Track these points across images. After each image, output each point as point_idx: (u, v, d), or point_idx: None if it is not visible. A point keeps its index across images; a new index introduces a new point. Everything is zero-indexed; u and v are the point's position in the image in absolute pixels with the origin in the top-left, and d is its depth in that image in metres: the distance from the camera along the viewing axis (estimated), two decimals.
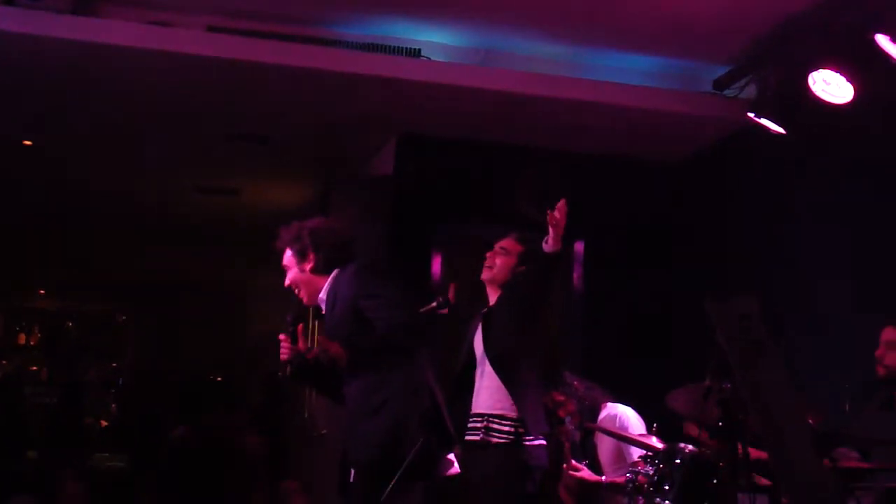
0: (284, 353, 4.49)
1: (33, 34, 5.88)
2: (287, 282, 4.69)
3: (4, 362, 15.19)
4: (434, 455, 4.37)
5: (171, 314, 15.54)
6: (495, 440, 4.99)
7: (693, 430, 5.08)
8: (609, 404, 6.10)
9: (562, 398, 5.79)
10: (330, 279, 4.62)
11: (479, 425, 5.07)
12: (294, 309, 4.66)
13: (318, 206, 9.28)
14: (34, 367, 15.76)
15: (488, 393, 5.07)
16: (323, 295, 4.62)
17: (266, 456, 10.24)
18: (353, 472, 4.51)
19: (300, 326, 4.51)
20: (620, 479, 5.62)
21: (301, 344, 4.51)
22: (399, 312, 4.40)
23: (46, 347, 15.95)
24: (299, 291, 4.69)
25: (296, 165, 8.92)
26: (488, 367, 5.08)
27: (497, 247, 5.26)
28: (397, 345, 4.42)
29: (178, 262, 14.09)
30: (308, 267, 4.63)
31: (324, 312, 4.64)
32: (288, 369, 4.50)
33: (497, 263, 5.23)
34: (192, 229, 11.99)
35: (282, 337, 4.50)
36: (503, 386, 4.99)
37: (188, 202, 10.49)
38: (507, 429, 4.99)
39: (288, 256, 4.69)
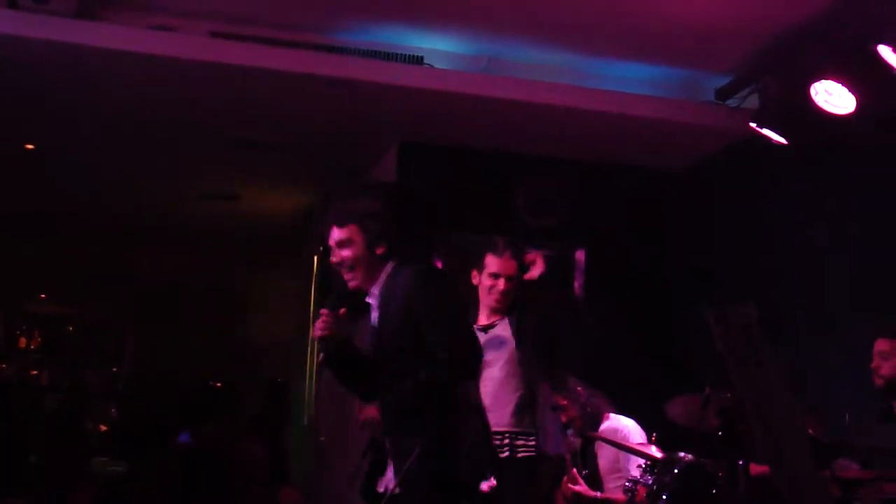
0: (322, 328, 3.97)
1: (36, 38, 5.89)
2: (345, 256, 4.06)
3: (4, 366, 15.17)
4: (481, 473, 4.21)
5: (172, 319, 15.53)
6: (521, 454, 5.14)
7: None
8: (612, 416, 6.09)
9: (564, 402, 5.81)
10: (387, 272, 4.07)
11: (504, 442, 5.19)
12: (340, 287, 4.15)
13: (320, 212, 9.29)
14: (34, 372, 15.74)
15: (510, 409, 5.16)
16: (376, 290, 4.08)
17: (266, 463, 10.24)
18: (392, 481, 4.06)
19: (343, 310, 3.99)
20: (617, 495, 5.62)
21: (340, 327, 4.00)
22: (462, 346, 3.92)
23: (47, 352, 15.94)
24: (354, 272, 4.06)
25: (297, 172, 8.93)
26: (510, 382, 5.16)
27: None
28: (448, 388, 3.99)
29: (179, 268, 14.11)
30: (380, 251, 4.04)
31: (373, 310, 4.11)
32: (321, 352, 4.02)
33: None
34: (193, 234, 12.02)
35: (324, 311, 3.99)
36: (524, 403, 5.12)
37: (190, 207, 10.51)
38: (531, 443, 5.33)
39: (353, 230, 4.05)
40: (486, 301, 5.44)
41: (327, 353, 3.97)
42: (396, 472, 3.91)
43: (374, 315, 4.09)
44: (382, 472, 4.13)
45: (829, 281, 6.20)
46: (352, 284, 4.09)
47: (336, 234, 4.07)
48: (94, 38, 5.97)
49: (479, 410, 4.47)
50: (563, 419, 5.91)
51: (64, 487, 8.92)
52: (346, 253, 4.04)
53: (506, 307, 5.42)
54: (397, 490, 3.84)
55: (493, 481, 4.47)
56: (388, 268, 4.06)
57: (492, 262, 5.36)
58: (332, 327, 3.96)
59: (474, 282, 5.42)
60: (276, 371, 13.10)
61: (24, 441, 11.52)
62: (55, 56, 6.16)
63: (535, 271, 5.31)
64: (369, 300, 4.12)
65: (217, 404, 13.27)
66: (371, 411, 3.95)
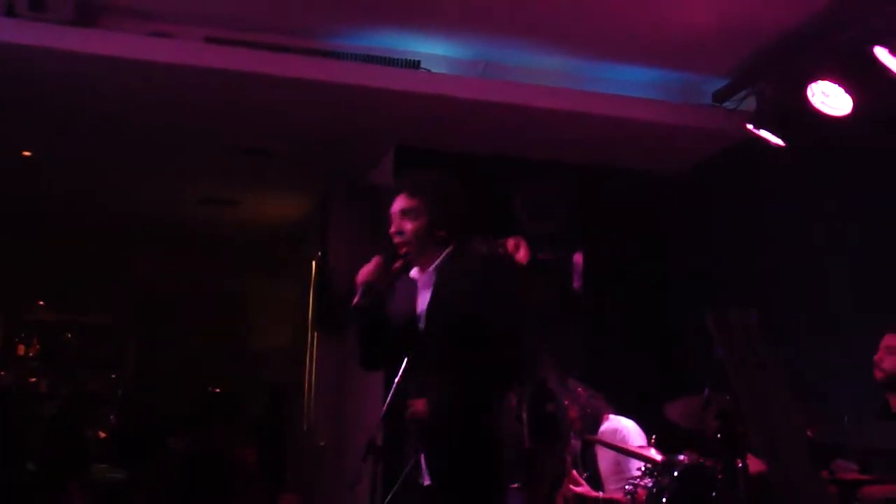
0: (369, 272, 3.93)
1: (33, 45, 5.90)
2: (405, 228, 3.98)
3: (3, 374, 15.16)
4: (513, 475, 4.15)
5: (172, 325, 15.52)
6: None
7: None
8: (612, 416, 6.11)
9: (565, 403, 5.81)
10: (446, 254, 3.99)
11: None
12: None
13: (318, 216, 9.29)
14: (33, 379, 15.73)
15: None
16: (430, 269, 3.99)
17: (261, 469, 10.24)
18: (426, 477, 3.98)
19: (397, 265, 3.95)
20: (618, 496, 5.62)
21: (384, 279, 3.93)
22: (525, 352, 3.88)
23: (46, 359, 15.93)
24: (409, 248, 3.98)
25: (295, 176, 8.92)
26: None
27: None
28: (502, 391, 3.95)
29: (179, 273, 14.10)
30: (440, 233, 3.97)
31: (421, 289, 4.02)
32: (357, 298, 3.91)
33: None
34: (192, 240, 12.01)
35: (378, 257, 3.96)
36: None
37: (189, 213, 10.50)
38: None
39: (414, 204, 3.99)
40: None
41: (362, 299, 3.92)
42: (429, 468, 3.86)
43: (424, 295, 4.00)
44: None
45: (828, 282, 6.21)
46: (403, 260, 4.02)
47: (402, 202, 4.01)
48: (91, 45, 5.97)
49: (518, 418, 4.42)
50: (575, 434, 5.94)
51: (61, 494, 8.91)
52: (407, 225, 3.98)
53: None
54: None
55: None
56: (448, 250, 4.00)
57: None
58: (378, 276, 3.93)
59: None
60: (275, 376, 13.09)
61: (21, 448, 11.50)
62: (52, 63, 6.16)
63: (522, 255, 5.10)
64: (415, 277, 4.05)
65: (216, 410, 13.26)
66: (419, 405, 3.88)
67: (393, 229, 4.02)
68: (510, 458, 4.01)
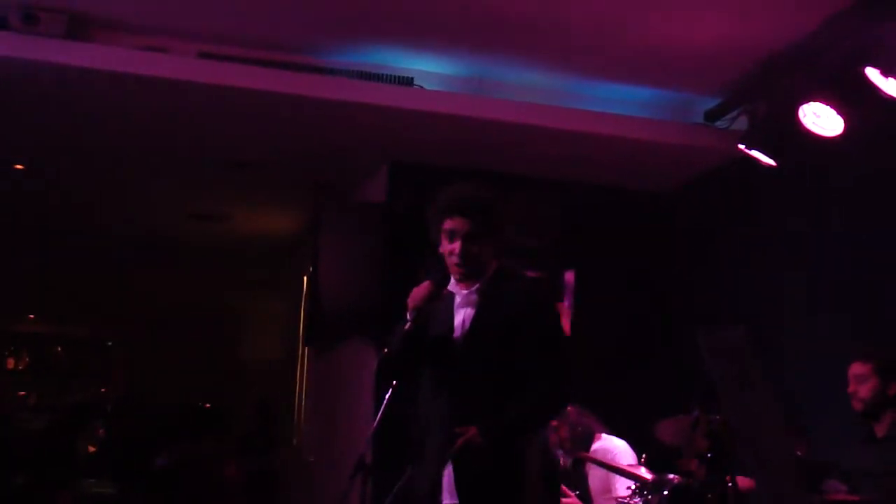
0: (419, 296, 3.94)
1: (26, 59, 5.89)
2: (469, 248, 3.95)
3: None
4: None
5: (162, 339, 15.51)
6: None
7: (691, 465, 5.05)
8: (604, 436, 6.11)
9: (555, 423, 5.80)
10: (490, 274, 4.00)
11: None
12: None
13: (310, 231, 9.28)
14: (22, 392, 15.69)
15: None
16: (475, 288, 3.99)
17: (248, 485, 10.20)
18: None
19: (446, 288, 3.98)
20: None
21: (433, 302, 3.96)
22: (570, 377, 3.90)
23: (35, 372, 15.90)
24: (466, 264, 3.96)
25: (287, 191, 8.93)
26: None
27: None
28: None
29: (170, 287, 14.08)
30: (493, 254, 4.00)
31: (461, 307, 4.02)
32: (409, 321, 3.92)
33: None
34: (183, 254, 11.99)
35: (430, 282, 3.97)
36: None
37: (180, 227, 10.50)
38: None
39: (471, 227, 3.96)
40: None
41: (414, 324, 3.92)
42: (458, 488, 3.84)
43: (465, 312, 3.99)
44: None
45: (817, 302, 6.21)
46: (456, 278, 4.02)
47: (457, 223, 3.98)
48: (84, 59, 5.96)
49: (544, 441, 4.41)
50: (554, 439, 5.89)
51: None
52: (464, 246, 3.95)
53: None
54: None
55: None
56: (492, 269, 4.01)
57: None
58: (429, 301, 3.94)
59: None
60: (266, 391, 13.07)
61: (10, 461, 11.46)
62: (45, 77, 6.16)
63: None
64: (454, 290, 4.04)
65: (203, 424, 13.22)
66: (473, 433, 3.86)
67: (446, 249, 4.02)
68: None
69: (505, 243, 4.05)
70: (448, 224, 4.00)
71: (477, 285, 3.99)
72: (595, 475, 6.09)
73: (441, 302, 4.03)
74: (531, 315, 3.90)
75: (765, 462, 3.66)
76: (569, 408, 5.97)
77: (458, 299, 4.02)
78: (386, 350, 4.06)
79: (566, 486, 5.85)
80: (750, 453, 3.74)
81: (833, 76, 5.51)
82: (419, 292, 3.96)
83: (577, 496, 5.95)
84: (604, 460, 5.86)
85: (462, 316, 4.00)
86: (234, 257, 12.05)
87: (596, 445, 6.06)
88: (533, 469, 3.96)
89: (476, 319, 3.95)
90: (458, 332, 3.98)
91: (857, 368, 4.87)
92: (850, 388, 4.87)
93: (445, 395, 3.93)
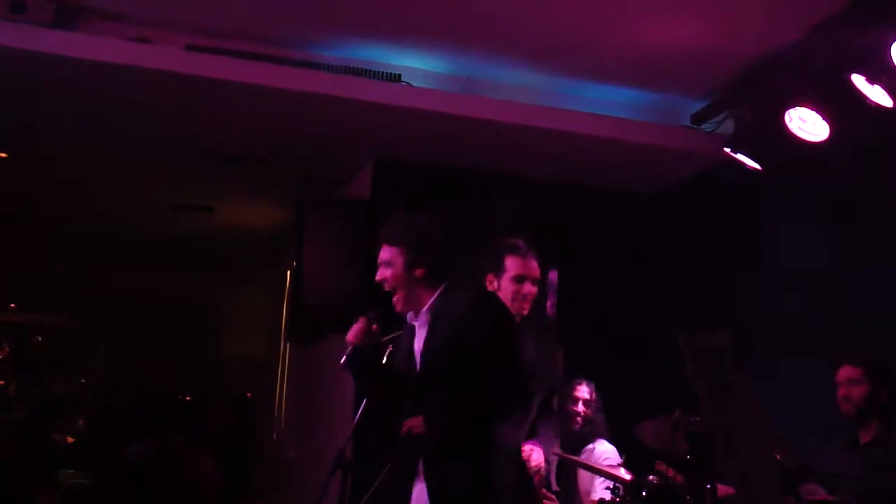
0: (354, 334, 4.10)
1: (13, 47, 5.85)
2: (385, 276, 4.19)
3: None
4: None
5: (143, 331, 15.46)
6: None
7: (662, 466, 5.08)
8: (600, 440, 6.14)
9: (580, 391, 6.23)
10: (437, 295, 4.16)
11: None
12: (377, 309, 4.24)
13: (293, 226, 9.26)
14: (2, 382, 15.63)
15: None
16: (424, 311, 4.15)
17: (220, 480, 10.15)
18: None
19: (376, 326, 4.14)
20: None
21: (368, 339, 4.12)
22: (515, 383, 4.00)
23: (15, 361, 15.83)
24: (396, 295, 4.19)
25: (271, 185, 8.90)
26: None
27: None
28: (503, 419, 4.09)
29: (151, 279, 14.03)
30: (419, 273, 4.15)
31: (418, 329, 4.19)
32: (345, 356, 4.09)
33: None
34: (165, 246, 11.95)
35: (361, 319, 4.14)
36: None
37: (162, 219, 10.46)
38: None
39: (393, 253, 4.18)
40: (511, 308, 5.23)
41: (350, 358, 4.09)
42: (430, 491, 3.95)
43: (420, 335, 4.15)
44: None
45: (800, 306, 6.23)
46: (396, 306, 4.21)
47: (381, 253, 4.21)
48: (71, 48, 5.93)
49: (517, 454, 4.45)
50: (580, 423, 6.12)
51: (27, 499, 8.82)
52: (386, 273, 4.17)
53: None
54: None
55: None
56: (440, 290, 4.15)
57: (514, 265, 4.89)
58: (364, 337, 4.09)
59: (491, 287, 4.90)
60: (247, 385, 13.05)
61: None
62: (30, 65, 6.12)
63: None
64: (412, 322, 4.20)
65: (181, 417, 13.19)
66: (416, 421, 3.95)
67: (378, 278, 4.22)
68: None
69: (438, 264, 4.19)
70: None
71: (425, 308, 4.16)
72: (583, 478, 6.11)
73: (407, 333, 4.26)
74: (477, 324, 4.02)
75: (744, 465, 3.67)
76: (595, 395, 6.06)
77: (416, 327, 4.19)
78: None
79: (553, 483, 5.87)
80: (729, 456, 3.75)
81: (820, 82, 5.53)
82: (353, 329, 4.13)
83: (563, 497, 5.95)
84: (591, 462, 5.87)
85: (418, 340, 4.17)
86: (216, 251, 12.02)
87: (590, 446, 6.10)
88: (508, 481, 4.03)
89: (426, 340, 4.12)
90: (417, 354, 4.17)
91: (848, 372, 4.87)
92: (842, 392, 4.87)
93: (411, 410, 4.08)
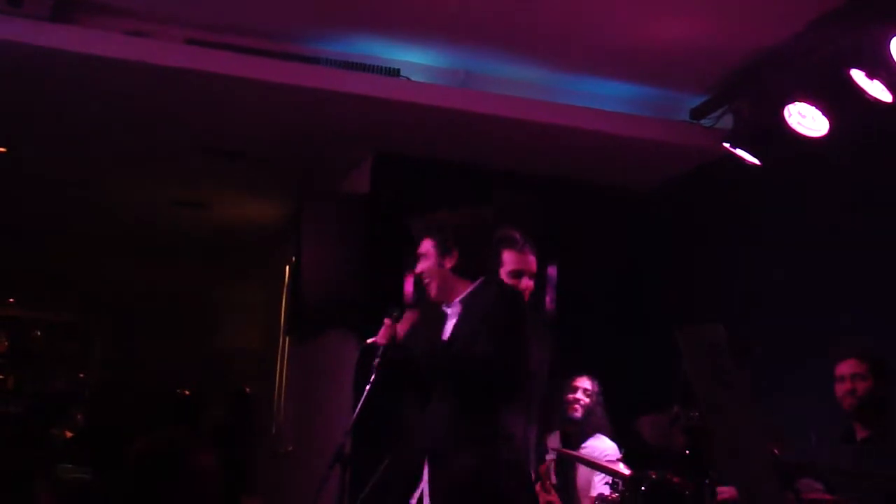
0: (383, 335, 4.24)
1: (10, 40, 5.84)
2: (422, 269, 4.41)
3: None
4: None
5: (141, 325, 15.46)
6: None
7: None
8: (599, 435, 6.14)
9: (585, 401, 6.05)
10: (472, 288, 4.34)
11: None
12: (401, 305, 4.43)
13: (292, 221, 9.26)
14: (1, 377, 15.63)
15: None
16: (457, 300, 4.33)
17: (221, 474, 10.15)
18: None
19: (400, 324, 4.29)
20: None
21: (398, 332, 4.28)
22: (505, 361, 4.10)
23: (14, 356, 15.83)
24: (430, 283, 4.39)
25: (269, 180, 8.90)
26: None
27: None
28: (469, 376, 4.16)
29: (150, 274, 14.03)
30: (449, 265, 4.35)
31: (449, 319, 4.36)
32: (378, 357, 4.21)
33: None
34: (164, 241, 11.95)
35: (387, 321, 4.27)
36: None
37: (160, 213, 10.46)
38: None
39: (427, 246, 4.41)
40: None
41: (383, 357, 4.19)
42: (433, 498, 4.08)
43: (450, 325, 4.31)
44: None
45: (797, 301, 6.23)
46: (432, 296, 4.41)
47: (420, 246, 4.44)
48: (68, 42, 5.93)
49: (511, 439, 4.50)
50: (579, 411, 6.13)
51: (26, 494, 8.82)
52: (422, 265, 4.40)
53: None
54: None
55: None
56: (477, 283, 4.32)
57: (510, 259, 4.89)
58: (390, 338, 4.22)
59: None
60: (245, 380, 13.04)
61: None
62: (28, 59, 6.11)
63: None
64: (446, 310, 4.37)
65: (180, 412, 13.18)
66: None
67: (416, 270, 4.45)
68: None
69: (474, 259, 4.37)
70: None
71: (458, 299, 4.33)
72: (582, 473, 6.12)
73: (438, 320, 4.39)
74: (496, 312, 4.18)
75: (741, 460, 3.66)
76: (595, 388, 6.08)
77: (448, 316, 4.36)
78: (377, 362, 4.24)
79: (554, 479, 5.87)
80: (726, 452, 3.74)
81: (819, 77, 5.53)
82: (381, 332, 4.26)
83: (562, 493, 5.95)
84: (589, 458, 5.87)
85: (448, 329, 4.33)
86: (215, 246, 12.02)
87: (589, 442, 6.10)
88: (510, 474, 4.08)
89: (452, 331, 4.28)
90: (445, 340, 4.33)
91: (854, 366, 4.85)
92: (846, 386, 4.85)
93: (426, 397, 4.31)
